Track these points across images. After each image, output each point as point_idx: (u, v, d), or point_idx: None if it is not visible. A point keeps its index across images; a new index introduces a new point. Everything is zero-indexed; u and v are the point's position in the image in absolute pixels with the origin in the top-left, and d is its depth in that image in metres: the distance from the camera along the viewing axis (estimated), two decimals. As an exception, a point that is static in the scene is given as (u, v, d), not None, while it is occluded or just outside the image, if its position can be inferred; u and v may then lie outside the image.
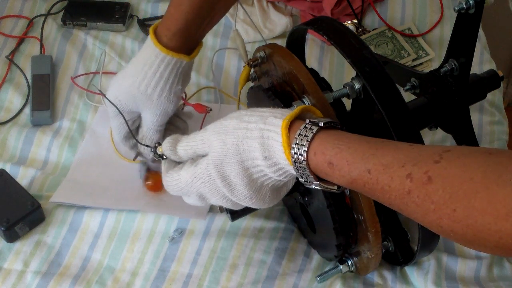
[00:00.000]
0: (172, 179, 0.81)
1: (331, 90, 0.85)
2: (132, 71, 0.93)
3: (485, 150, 0.58)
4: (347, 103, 0.89)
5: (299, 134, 0.67)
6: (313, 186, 0.69)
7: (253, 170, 0.72)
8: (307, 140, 0.66)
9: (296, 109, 0.71)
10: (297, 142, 0.67)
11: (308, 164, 0.67)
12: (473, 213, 0.54)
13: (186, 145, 0.78)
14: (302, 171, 0.67)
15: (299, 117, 0.71)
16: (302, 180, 0.69)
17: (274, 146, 0.69)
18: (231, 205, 0.78)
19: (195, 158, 0.79)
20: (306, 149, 0.66)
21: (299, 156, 0.67)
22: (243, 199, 0.74)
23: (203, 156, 0.77)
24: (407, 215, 0.61)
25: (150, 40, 0.91)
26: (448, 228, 0.56)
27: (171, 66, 0.91)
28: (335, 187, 0.68)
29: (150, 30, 0.92)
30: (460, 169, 0.56)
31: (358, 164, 0.63)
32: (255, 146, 0.70)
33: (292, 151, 0.67)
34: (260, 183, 0.73)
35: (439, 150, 0.59)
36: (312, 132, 0.67)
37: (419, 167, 0.58)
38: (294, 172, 0.69)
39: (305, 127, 0.68)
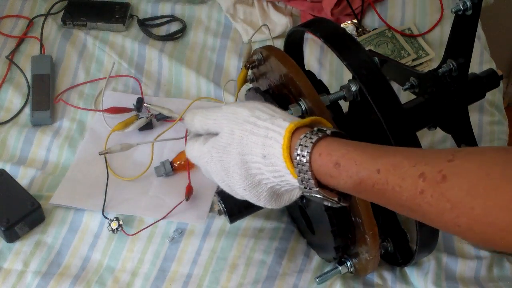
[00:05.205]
0: (188, 147, 0.81)
1: (328, 93, 0.85)
2: None
3: (501, 147, 0.56)
4: (345, 106, 0.89)
5: (304, 137, 0.66)
6: (313, 194, 0.67)
7: (252, 165, 0.72)
8: (311, 142, 0.65)
9: (307, 118, 0.70)
10: (301, 143, 0.66)
11: (310, 167, 0.66)
12: (494, 210, 0.52)
13: (201, 120, 0.78)
14: (304, 174, 0.66)
15: (309, 127, 0.70)
16: (302, 186, 0.67)
17: (274, 147, 0.69)
18: (229, 190, 0.77)
19: (209, 135, 0.79)
20: (309, 150, 0.65)
21: (302, 158, 0.65)
22: (237, 187, 0.74)
23: (215, 134, 0.77)
24: (420, 218, 0.59)
25: None
26: (467, 228, 0.54)
27: None
28: (336, 199, 0.66)
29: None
30: (476, 166, 0.54)
31: (367, 164, 0.62)
32: (257, 143, 0.70)
33: (295, 153, 0.66)
34: (258, 180, 0.72)
35: (451, 151, 0.57)
36: (318, 136, 0.66)
37: (431, 166, 0.57)
38: (290, 179, 0.68)
39: (311, 132, 0.67)
